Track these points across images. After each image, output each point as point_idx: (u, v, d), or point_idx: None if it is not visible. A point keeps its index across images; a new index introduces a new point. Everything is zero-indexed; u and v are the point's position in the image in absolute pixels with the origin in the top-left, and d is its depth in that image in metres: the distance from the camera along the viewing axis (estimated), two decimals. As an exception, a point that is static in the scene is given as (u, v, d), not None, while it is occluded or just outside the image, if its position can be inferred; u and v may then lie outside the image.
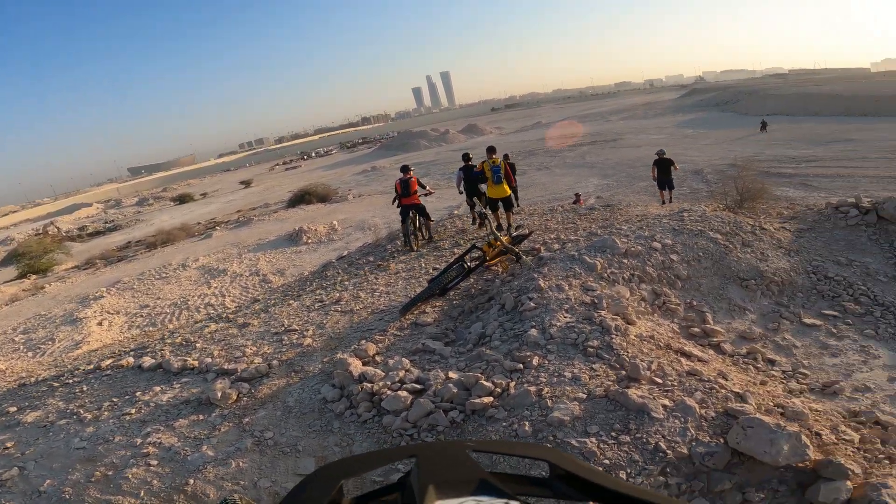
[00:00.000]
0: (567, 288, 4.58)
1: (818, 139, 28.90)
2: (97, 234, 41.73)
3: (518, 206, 12.95)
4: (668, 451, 2.84)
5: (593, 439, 2.96)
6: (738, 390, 3.27)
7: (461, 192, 9.95)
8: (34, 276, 26.53)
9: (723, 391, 3.23)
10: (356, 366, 4.35)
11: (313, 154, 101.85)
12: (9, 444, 4.38)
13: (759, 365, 4.08)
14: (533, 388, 3.43)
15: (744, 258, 5.38)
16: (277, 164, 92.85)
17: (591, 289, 4.60)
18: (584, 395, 3.28)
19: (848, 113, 40.26)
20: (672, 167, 13.86)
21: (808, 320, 4.72)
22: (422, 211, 9.12)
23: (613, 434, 2.96)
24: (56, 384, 5.93)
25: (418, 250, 8.90)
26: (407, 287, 6.90)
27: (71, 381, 5.93)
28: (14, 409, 5.33)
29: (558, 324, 4.09)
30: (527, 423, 3.20)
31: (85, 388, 5.56)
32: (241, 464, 3.62)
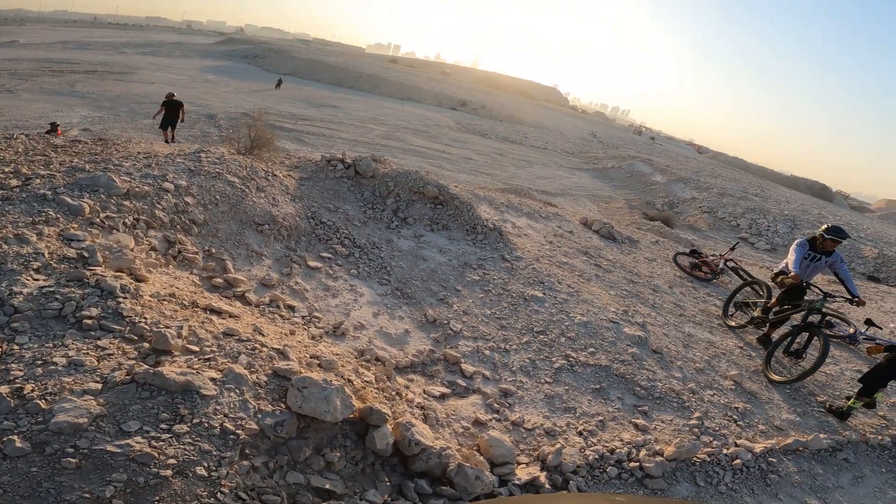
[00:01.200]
0: (36, 239, 3.22)
1: (314, 102, 34.39)
2: None
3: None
4: (238, 432, 2.47)
5: (139, 438, 2.21)
6: (277, 346, 3.23)
7: None
8: None
9: (265, 349, 3.10)
10: None
11: None
12: None
13: (283, 313, 4.23)
14: (5, 388, 2.23)
15: (259, 203, 5.49)
16: None
17: (76, 238, 3.43)
18: (100, 385, 2.40)
19: (339, 83, 50.21)
20: (181, 111, 14.67)
21: (312, 263, 5.31)
22: None
23: (164, 426, 2.32)
24: None
25: None
26: None
27: None
28: None
29: (26, 290, 2.81)
30: (15, 437, 2.05)
31: None
32: None
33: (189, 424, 2.40)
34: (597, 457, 3.68)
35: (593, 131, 55.79)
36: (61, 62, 35.17)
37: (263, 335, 3.38)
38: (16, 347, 2.55)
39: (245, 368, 2.82)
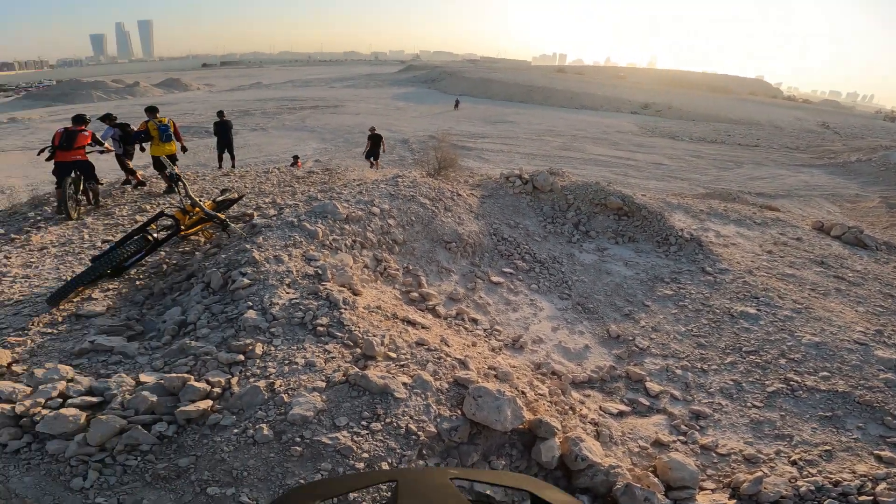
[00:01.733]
0: (287, 259, 4.13)
1: (490, 119, 35.81)
2: None
3: (234, 167, 11.77)
4: (419, 433, 2.81)
5: (345, 433, 2.70)
6: (459, 356, 3.52)
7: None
8: None
9: (448, 359, 3.40)
10: (-29, 388, 2.89)
11: None
12: None
13: (467, 325, 4.57)
14: (262, 383, 2.91)
15: (447, 222, 6.01)
16: None
17: (313, 258, 4.28)
18: (324, 383, 2.98)
19: (511, 99, 51.55)
20: (381, 143, 15.96)
21: (494, 278, 5.60)
22: (88, 171, 6.92)
23: (364, 423, 2.77)
24: None
25: (79, 219, 6.74)
26: (60, 267, 5.09)
27: None
28: None
29: (281, 301, 3.62)
30: (264, 425, 2.69)
31: None
32: None
33: (382, 423, 2.76)
34: (812, 488, 3.25)
35: (825, 122, 46.05)
36: (293, 100, 43.58)
37: (448, 346, 3.69)
38: (272, 349, 3.27)
39: (431, 376, 3.13)
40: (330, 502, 0.63)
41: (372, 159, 16.33)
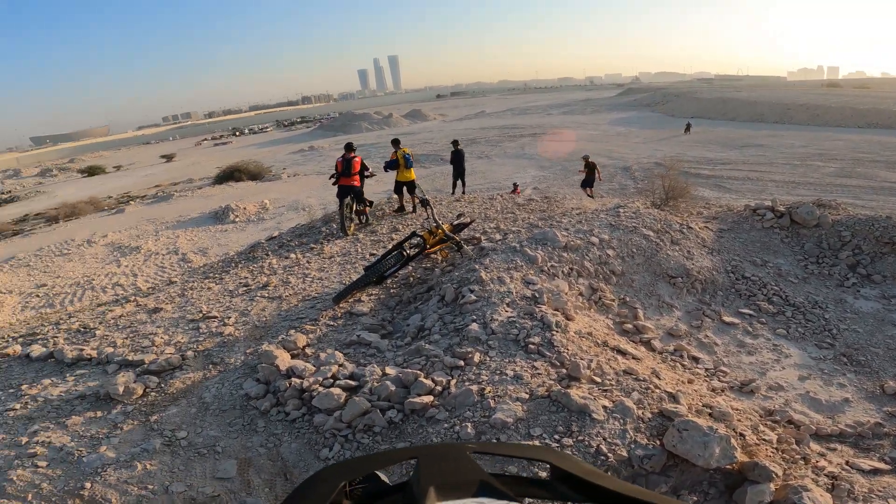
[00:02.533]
0: (508, 280, 4.50)
1: (732, 143, 31.29)
2: (-13, 203, 36.97)
3: (465, 193, 13.14)
4: (608, 455, 2.82)
5: (536, 442, 2.89)
6: (670, 390, 3.34)
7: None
8: None
9: (657, 391, 3.28)
10: (284, 359, 4.02)
11: (246, 131, 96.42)
12: None
13: (686, 363, 4.23)
14: (475, 388, 3.29)
15: (672, 256, 5.58)
16: (205, 139, 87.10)
17: (531, 282, 4.56)
18: (527, 395, 3.20)
19: (761, 119, 44.01)
20: (596, 171, 15.74)
21: (727, 318, 4.98)
22: (359, 195, 8.75)
23: (556, 437, 2.90)
24: None
25: (354, 234, 8.54)
26: (342, 273, 6.55)
27: None
28: None
29: (500, 318, 3.99)
30: (469, 424, 3.06)
31: None
32: (148, 466, 3.24)
33: (574, 439, 2.81)
34: None
35: None
36: (513, 127, 45.92)
37: (659, 378, 3.49)
38: (488, 359, 3.63)
39: (634, 403, 3.06)
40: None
41: (587, 188, 16.06)
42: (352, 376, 3.74)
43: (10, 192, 43.94)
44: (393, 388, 3.43)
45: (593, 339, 3.97)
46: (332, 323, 4.90)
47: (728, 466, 2.79)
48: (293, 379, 3.76)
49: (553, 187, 20.98)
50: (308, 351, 4.34)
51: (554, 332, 3.80)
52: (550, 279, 4.78)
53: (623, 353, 3.89)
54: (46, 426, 3.75)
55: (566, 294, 4.54)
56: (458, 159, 13.36)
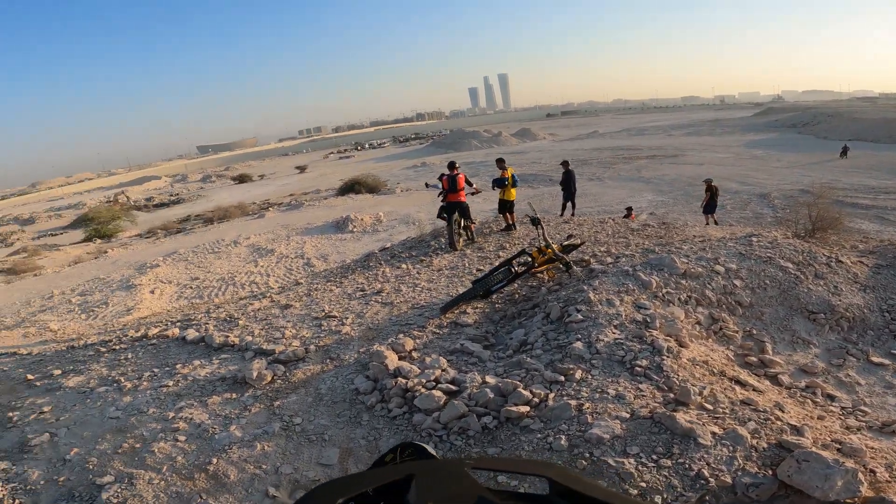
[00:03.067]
0: (618, 303, 4.36)
1: (902, 170, 26.62)
2: (162, 205, 44.33)
3: (574, 215, 12.90)
4: (710, 479, 2.65)
5: (632, 460, 2.78)
6: (794, 423, 3.02)
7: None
8: (99, 241, 28.38)
9: (778, 423, 2.99)
10: (392, 359, 4.31)
11: (366, 145, 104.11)
12: (45, 409, 4.45)
13: (818, 400, 3.76)
14: (573, 402, 3.26)
15: (815, 290, 4.96)
16: (332, 153, 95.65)
17: (643, 307, 4.36)
18: (628, 415, 3.10)
19: (941, 144, 36.96)
20: (716, 195, 14.82)
21: (875, 359, 4.34)
22: (465, 212, 9.02)
23: (654, 457, 2.78)
24: (103, 349, 6.02)
25: (461, 250, 8.82)
26: (449, 285, 6.82)
27: (117, 347, 6.04)
28: (58, 371, 5.44)
29: (606, 339, 3.89)
30: (563, 437, 3.04)
31: (129, 356, 5.65)
32: (266, 447, 3.57)
33: (673, 461, 2.66)
34: None
35: None
36: (628, 148, 43.57)
37: (783, 411, 3.21)
38: (589, 377, 3.55)
39: (748, 432, 2.84)
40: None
41: (709, 215, 14.84)
42: (453, 381, 3.89)
43: (177, 194, 52.14)
44: (491, 395, 3.51)
45: (708, 367, 3.70)
46: (437, 331, 5.13)
47: (848, 500, 2.48)
48: (399, 379, 4.01)
49: (672, 213, 19.60)
50: (414, 354, 4.59)
51: (664, 357, 3.62)
52: (665, 305, 4.52)
53: (742, 383, 3.59)
54: (191, 403, 4.24)
55: (681, 321, 4.27)
56: (568, 180, 13.18)
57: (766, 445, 2.79)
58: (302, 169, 62.42)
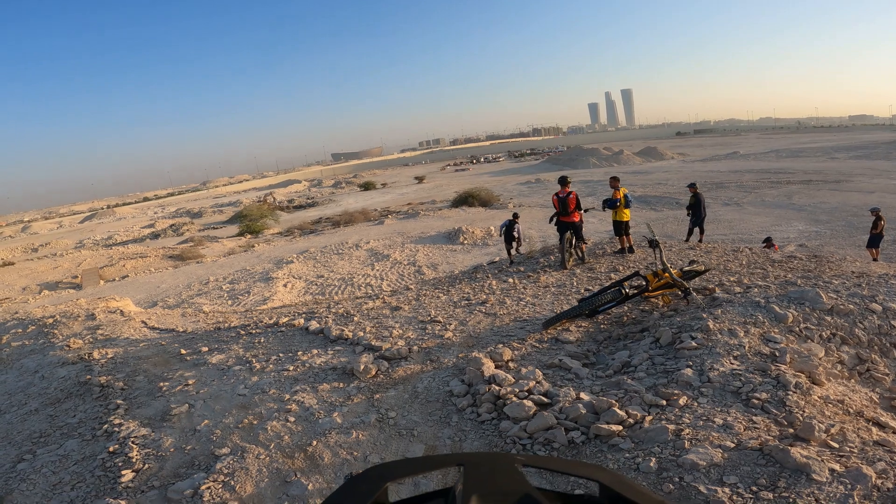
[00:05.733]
0: (742, 334, 3.90)
1: None
2: (300, 207, 49.65)
3: (701, 241, 11.88)
4: None
5: (727, 489, 2.49)
6: None
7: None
8: (249, 236, 32.65)
9: None
10: (488, 366, 4.35)
11: (482, 159, 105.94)
12: (190, 382, 5.13)
13: None
14: (671, 427, 3.01)
15: None
16: (448, 165, 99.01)
17: (773, 340, 3.85)
18: (733, 444, 2.78)
19: None
20: (881, 224, 12.90)
21: None
22: (577, 231, 8.76)
23: (755, 489, 2.46)
24: (242, 332, 6.88)
25: (571, 269, 8.57)
26: (554, 302, 6.68)
27: (254, 331, 6.88)
28: (206, 349, 6.30)
29: (721, 368, 3.51)
30: (653, 458, 2.81)
31: (262, 340, 6.34)
32: (360, 436, 3.76)
33: (776, 495, 2.37)
34: None
35: None
36: (777, 172, 38.35)
37: None
38: (695, 404, 3.24)
39: (875, 472, 2.45)
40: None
41: (873, 249, 12.65)
42: (546, 394, 3.81)
43: (313, 198, 57.97)
44: (583, 411, 3.36)
45: (843, 406, 3.18)
46: (537, 345, 5.06)
47: None
48: (493, 385, 4.03)
49: (828, 246, 16.94)
50: (511, 364, 4.57)
51: (790, 392, 3.18)
52: (801, 341, 3.94)
53: (882, 425, 3.03)
54: (304, 388, 4.60)
55: (819, 358, 3.69)
56: (696, 204, 12.16)
57: (891, 486, 2.35)
58: (420, 179, 65.49)
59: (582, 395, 3.64)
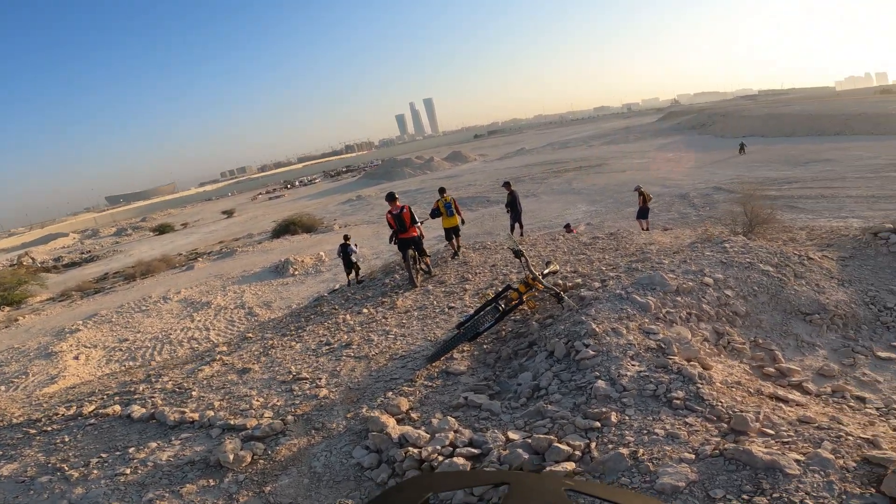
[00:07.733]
0: (625, 331, 4.14)
1: (795, 160, 29.70)
2: (73, 265, 40.25)
3: (522, 234, 12.87)
4: None
5: None
6: (864, 435, 2.91)
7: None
8: (7, 308, 25.29)
9: (850, 438, 2.86)
10: (392, 425, 3.79)
11: (297, 183, 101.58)
12: None
13: (851, 403, 3.73)
14: (625, 451, 2.93)
15: (801, 291, 5.05)
16: (260, 194, 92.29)
17: (651, 332, 4.17)
18: (692, 455, 2.82)
19: (820, 133, 41.81)
20: (647, 200, 15.55)
21: (881, 353, 4.43)
22: (419, 246, 8.66)
23: (745, 496, 2.52)
24: (33, 431, 5.30)
25: (422, 286, 8.38)
26: (424, 328, 6.35)
27: (49, 428, 5.32)
28: None
29: (628, 373, 3.63)
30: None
31: (67, 439, 4.97)
32: None
33: (769, 497, 2.43)
34: None
35: None
36: (556, 162, 45.45)
37: (843, 424, 3.07)
38: (626, 418, 3.24)
39: (830, 454, 2.68)
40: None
41: (642, 220, 15.53)
42: (472, 443, 3.45)
43: (89, 251, 47.61)
44: (526, 455, 3.10)
45: (744, 388, 3.55)
46: (429, 383, 4.66)
47: None
48: (409, 448, 3.52)
49: (607, 222, 20.37)
50: (413, 415, 4.10)
51: (699, 385, 3.41)
52: (668, 326, 4.37)
53: (783, 400, 3.46)
54: (161, 494, 3.69)
55: (691, 341, 4.12)
56: (513, 201, 13.25)
57: (853, 464, 2.64)
58: (229, 213, 59.45)
59: (511, 434, 3.36)
